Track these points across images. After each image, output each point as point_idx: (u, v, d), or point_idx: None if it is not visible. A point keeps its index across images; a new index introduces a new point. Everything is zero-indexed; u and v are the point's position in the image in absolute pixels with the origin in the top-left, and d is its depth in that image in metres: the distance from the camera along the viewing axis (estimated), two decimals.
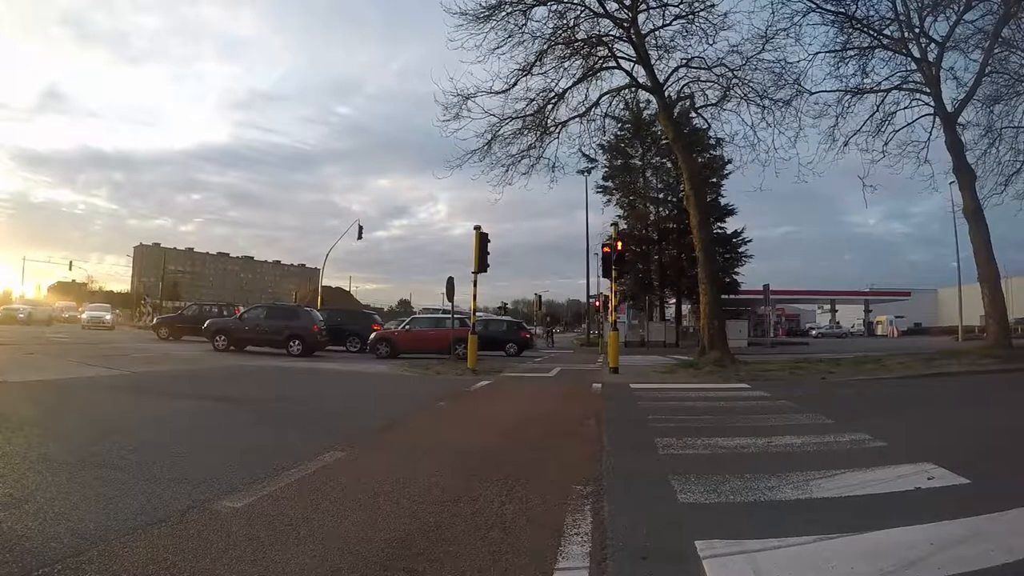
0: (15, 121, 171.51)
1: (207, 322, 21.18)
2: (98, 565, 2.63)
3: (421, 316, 26.36)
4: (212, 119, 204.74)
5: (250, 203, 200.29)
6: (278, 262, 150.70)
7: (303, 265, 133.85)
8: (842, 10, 17.78)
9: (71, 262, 68.88)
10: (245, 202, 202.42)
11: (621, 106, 20.40)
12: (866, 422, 6.65)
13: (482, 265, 14.98)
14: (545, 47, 17.00)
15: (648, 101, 21.48)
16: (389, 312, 76.67)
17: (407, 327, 21.72)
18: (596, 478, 4.32)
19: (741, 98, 17.48)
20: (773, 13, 16.74)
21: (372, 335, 21.35)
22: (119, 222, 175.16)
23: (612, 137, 31.14)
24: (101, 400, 7.99)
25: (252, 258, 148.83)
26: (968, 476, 4.13)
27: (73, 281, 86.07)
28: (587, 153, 22.67)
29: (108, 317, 36.27)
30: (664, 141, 29.16)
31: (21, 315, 34.98)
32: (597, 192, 40.29)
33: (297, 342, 19.04)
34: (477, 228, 14.95)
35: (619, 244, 15.34)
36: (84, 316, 36.79)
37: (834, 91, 18.51)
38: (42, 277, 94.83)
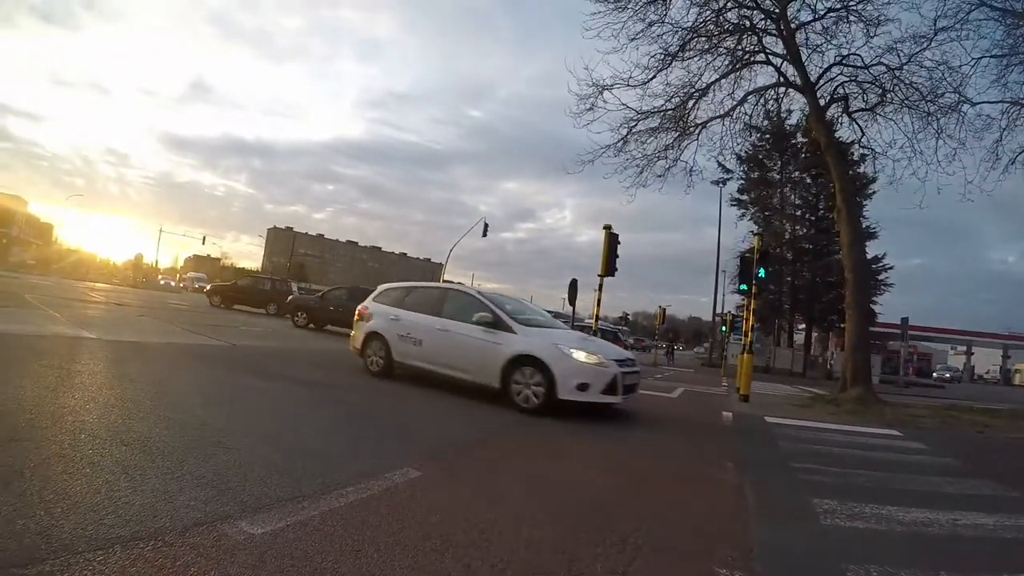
0: (164, 108, 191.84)
1: (288, 299, 21.89)
2: None
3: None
4: (348, 115, 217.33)
5: (380, 196, 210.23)
6: (404, 254, 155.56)
7: (428, 259, 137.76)
8: (1009, 7, 14.56)
9: (204, 236, 73.73)
10: (376, 195, 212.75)
11: (761, 114, 18.40)
12: None
13: (610, 268, 13.47)
14: (688, 38, 15.56)
15: (790, 111, 19.67)
16: None
17: None
18: (745, 556, 3.08)
19: (901, 102, 15.11)
20: (944, 3, 14.17)
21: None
22: (256, 205, 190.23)
23: (750, 147, 28.87)
24: (178, 369, 7.30)
25: (380, 248, 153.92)
26: None
27: (208, 256, 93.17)
28: (723, 163, 20.84)
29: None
30: (805, 154, 26.59)
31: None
32: (731, 205, 37.73)
33: None
34: (607, 227, 13.49)
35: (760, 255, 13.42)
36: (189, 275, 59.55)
37: (998, 102, 15.13)
38: (179, 249, 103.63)
